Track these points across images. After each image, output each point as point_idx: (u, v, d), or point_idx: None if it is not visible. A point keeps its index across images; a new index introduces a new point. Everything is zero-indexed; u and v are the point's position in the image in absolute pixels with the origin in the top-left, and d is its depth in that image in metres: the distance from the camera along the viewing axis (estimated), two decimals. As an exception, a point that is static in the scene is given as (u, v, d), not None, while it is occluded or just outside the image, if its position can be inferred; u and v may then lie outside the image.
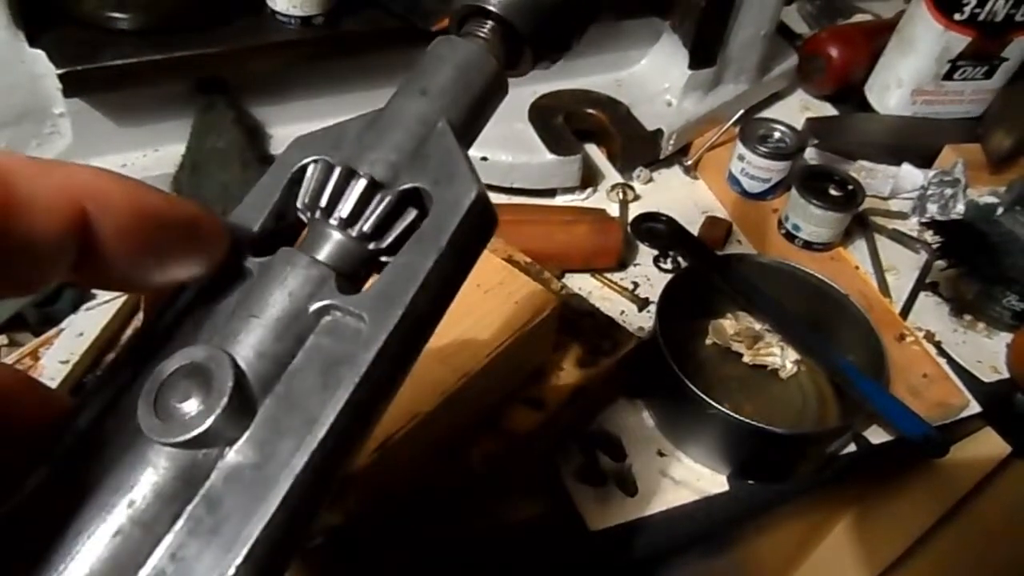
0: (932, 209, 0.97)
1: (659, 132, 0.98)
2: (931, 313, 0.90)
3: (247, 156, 0.81)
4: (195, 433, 0.19)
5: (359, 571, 0.61)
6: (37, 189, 0.17)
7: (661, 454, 0.73)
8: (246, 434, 0.20)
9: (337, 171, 0.23)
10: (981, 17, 1.01)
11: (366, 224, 0.23)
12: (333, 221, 0.23)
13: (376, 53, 0.85)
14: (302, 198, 0.23)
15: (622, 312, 0.84)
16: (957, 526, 0.93)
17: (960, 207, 0.96)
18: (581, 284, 0.86)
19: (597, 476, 0.70)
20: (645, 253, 0.91)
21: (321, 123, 0.88)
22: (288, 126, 0.88)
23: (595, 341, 0.72)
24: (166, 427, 0.19)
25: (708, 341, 0.81)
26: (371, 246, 0.23)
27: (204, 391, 0.19)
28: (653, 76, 1.03)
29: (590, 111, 0.98)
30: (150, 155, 0.84)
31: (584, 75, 1.01)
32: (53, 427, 0.21)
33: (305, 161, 0.24)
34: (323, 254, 0.23)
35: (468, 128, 0.26)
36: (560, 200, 0.95)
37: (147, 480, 0.19)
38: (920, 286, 0.92)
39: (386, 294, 0.21)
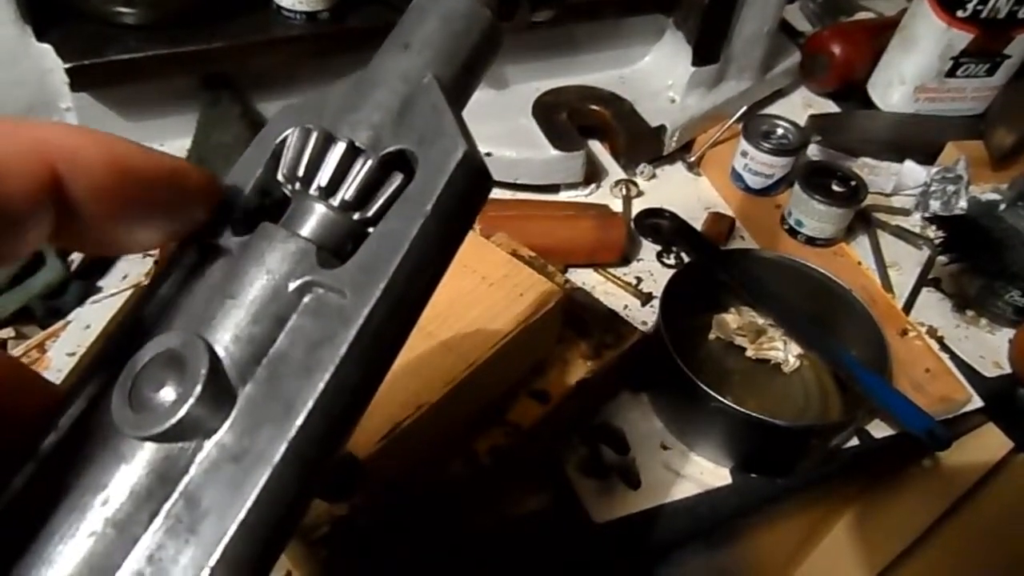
0: (935, 205, 0.98)
1: (662, 128, 0.98)
2: (933, 309, 0.90)
3: (252, 151, 0.82)
4: (168, 425, 0.18)
5: (364, 562, 0.62)
6: (4, 150, 0.17)
7: (664, 447, 0.74)
8: (225, 424, 0.19)
9: (314, 137, 0.21)
10: (984, 14, 1.01)
11: (347, 192, 0.21)
12: (313, 192, 0.21)
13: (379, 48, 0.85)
14: (281, 169, 0.22)
15: (625, 307, 0.84)
16: (959, 521, 0.93)
17: (963, 203, 0.96)
18: (584, 279, 0.86)
19: (600, 469, 0.70)
20: (648, 249, 0.92)
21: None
22: (293, 121, 0.88)
23: (599, 335, 0.72)
24: (139, 419, 0.18)
25: (711, 336, 0.82)
26: (355, 216, 0.21)
27: (178, 380, 0.18)
28: (657, 73, 1.03)
29: (594, 107, 0.99)
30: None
31: (588, 71, 1.01)
32: (45, 420, 0.20)
33: (286, 132, 0.23)
34: (304, 228, 0.21)
35: (459, 84, 0.24)
36: (563, 196, 0.95)
37: (121, 478, 0.18)
38: (923, 282, 0.92)
39: (367, 266, 0.20)
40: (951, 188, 0.97)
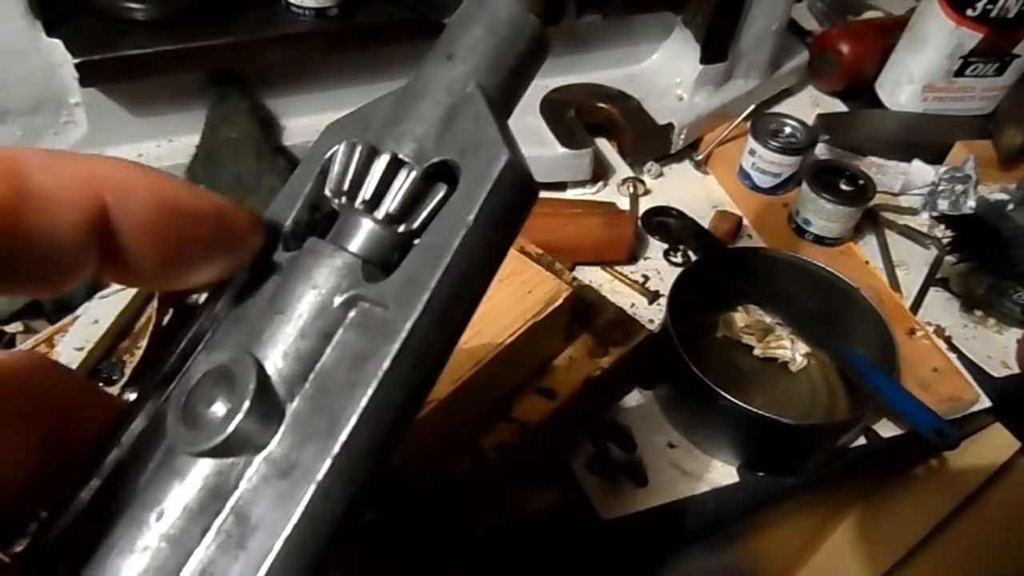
0: (943, 205, 0.97)
1: (670, 126, 0.98)
2: (941, 308, 0.90)
3: (261, 147, 0.82)
4: (218, 440, 0.18)
5: (371, 557, 0.62)
6: (53, 181, 0.17)
7: (671, 445, 0.74)
8: (274, 440, 0.19)
9: (358, 151, 0.21)
10: (993, 14, 1.01)
11: (391, 205, 0.21)
12: (359, 205, 0.21)
13: (389, 45, 0.85)
14: (328, 185, 0.22)
15: (632, 305, 0.84)
16: (966, 521, 0.93)
17: (971, 203, 0.96)
18: (591, 277, 0.86)
19: (608, 467, 0.70)
20: (655, 247, 0.92)
21: (334, 115, 0.87)
22: (301, 117, 0.88)
23: (606, 332, 0.72)
24: (192, 435, 0.18)
25: (718, 334, 0.81)
26: (400, 229, 0.21)
27: (228, 396, 0.19)
28: (664, 71, 1.03)
29: (601, 105, 0.98)
30: (164, 145, 0.84)
31: (596, 69, 1.01)
32: (108, 434, 0.21)
33: (334, 148, 0.23)
34: (351, 242, 0.21)
35: (505, 92, 0.23)
36: (571, 193, 0.95)
37: (176, 493, 0.18)
38: (930, 281, 0.92)
39: (410, 279, 0.19)
40: (959, 188, 0.97)
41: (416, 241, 0.21)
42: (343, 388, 0.19)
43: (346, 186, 0.21)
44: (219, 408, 0.19)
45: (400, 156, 0.21)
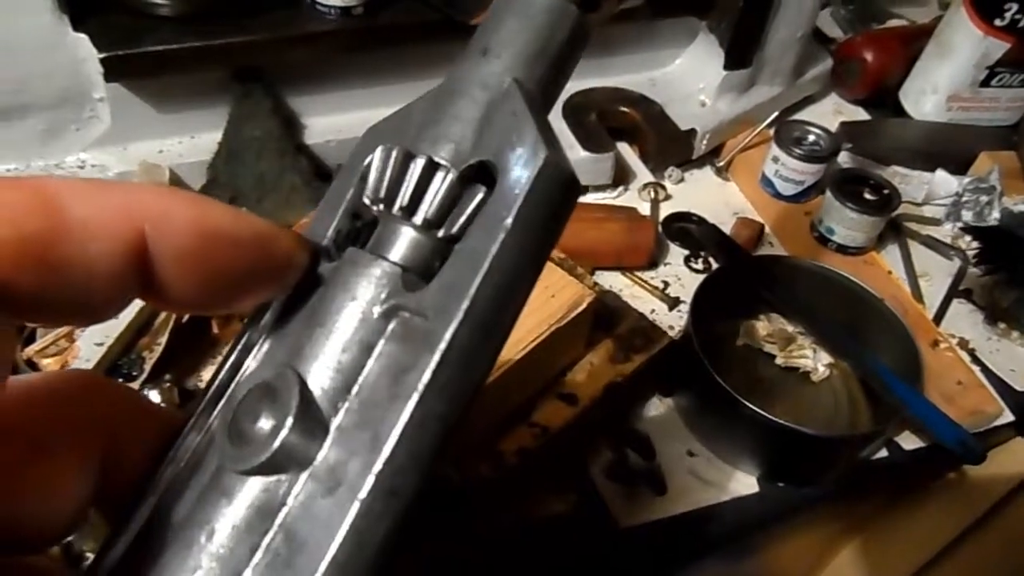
0: (967, 216, 0.96)
1: (692, 132, 0.97)
2: (965, 320, 0.89)
3: (283, 145, 0.82)
4: (263, 458, 0.18)
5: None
6: (90, 210, 0.16)
7: (691, 454, 0.73)
8: (319, 456, 0.18)
9: (394, 155, 0.20)
10: (1022, 23, 1.00)
11: (429, 210, 0.20)
12: (397, 212, 0.20)
13: (414, 45, 0.85)
14: (366, 192, 0.21)
15: (652, 311, 0.84)
16: (986, 535, 0.92)
17: (995, 214, 0.94)
18: (612, 282, 0.85)
19: (627, 474, 0.70)
20: (676, 253, 0.91)
21: (357, 114, 0.88)
22: (324, 116, 0.88)
23: (628, 339, 0.72)
24: (238, 453, 0.18)
25: (739, 342, 0.81)
26: (440, 234, 0.20)
27: (272, 412, 0.18)
28: (688, 76, 1.03)
29: (624, 109, 0.98)
30: (187, 142, 0.84)
31: (618, 73, 1.01)
32: (163, 452, 0.20)
33: (372, 153, 0.22)
34: (390, 250, 0.20)
35: (545, 86, 0.22)
36: (591, 197, 0.95)
37: (225, 512, 0.18)
38: (954, 293, 0.91)
39: (449, 286, 0.19)
40: (984, 199, 0.96)
41: (456, 247, 0.20)
42: (385, 401, 0.18)
43: (383, 192, 0.20)
44: (264, 425, 0.18)
45: (436, 159, 0.20)
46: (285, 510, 0.18)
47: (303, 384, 0.19)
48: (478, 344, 0.19)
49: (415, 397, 0.18)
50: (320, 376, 0.19)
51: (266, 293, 0.21)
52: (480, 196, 0.20)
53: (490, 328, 0.19)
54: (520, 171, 0.19)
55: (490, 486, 0.63)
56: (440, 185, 0.20)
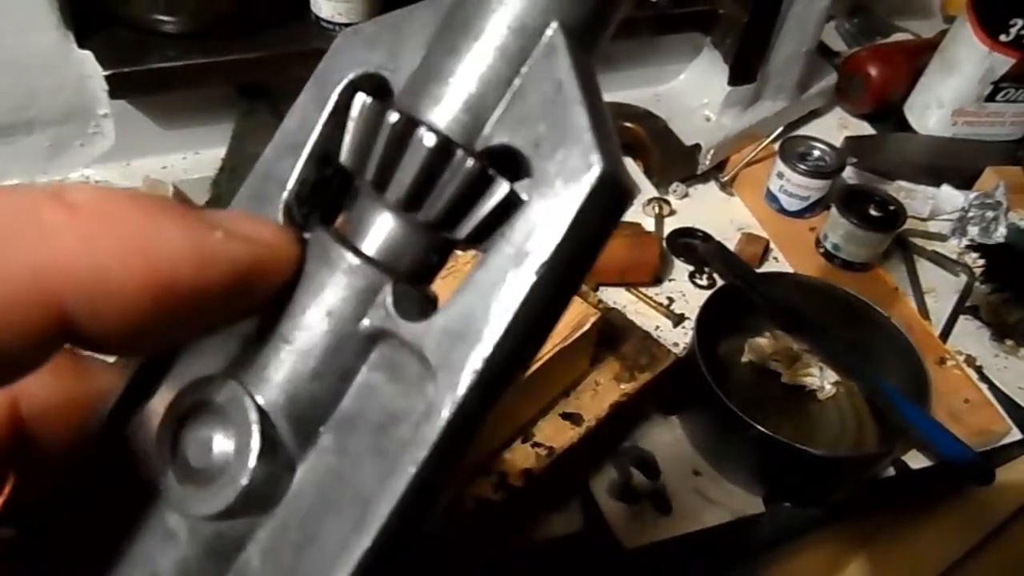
0: (973, 231, 0.96)
1: (697, 147, 0.97)
2: (971, 337, 0.88)
3: (287, 161, 0.82)
4: (220, 508, 0.15)
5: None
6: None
7: (696, 473, 0.72)
8: (284, 500, 0.16)
9: (392, 120, 0.15)
10: (1027, 39, 1.00)
11: (433, 208, 0.16)
12: (390, 198, 0.16)
13: (418, 62, 0.85)
14: (345, 153, 0.16)
15: (657, 327, 0.83)
16: (993, 554, 0.91)
17: (1002, 230, 0.94)
18: (616, 298, 0.85)
19: (631, 493, 0.69)
20: (680, 269, 0.90)
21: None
22: (328, 132, 0.88)
23: (633, 357, 0.71)
24: (188, 494, 0.16)
25: (745, 359, 0.80)
26: (445, 234, 0.16)
27: (227, 448, 0.16)
28: (692, 91, 1.02)
29: (628, 124, 0.98)
30: (190, 158, 0.84)
31: (623, 88, 1.01)
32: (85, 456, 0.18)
33: (352, 76, 0.17)
34: (373, 245, 0.16)
35: (588, 37, 0.16)
36: (595, 213, 0.94)
37: (170, 555, 0.16)
38: (960, 309, 0.90)
39: (458, 332, 0.15)
40: (990, 214, 0.96)
41: (461, 248, 0.17)
42: (370, 454, 0.15)
43: (373, 168, 0.16)
44: (218, 462, 0.15)
45: (447, 134, 0.15)
46: (243, 555, 0.16)
47: (263, 416, 0.15)
48: (488, 402, 0.15)
49: (412, 471, 0.15)
50: (281, 402, 0.16)
51: (240, 315, 0.17)
52: (501, 195, 0.15)
53: (504, 381, 0.15)
54: (564, 185, 0.15)
55: (494, 507, 0.63)
56: (453, 177, 0.15)
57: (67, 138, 0.79)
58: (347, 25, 0.78)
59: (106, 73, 0.73)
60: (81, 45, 0.73)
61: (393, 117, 0.15)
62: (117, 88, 0.74)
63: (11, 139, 0.76)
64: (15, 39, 0.70)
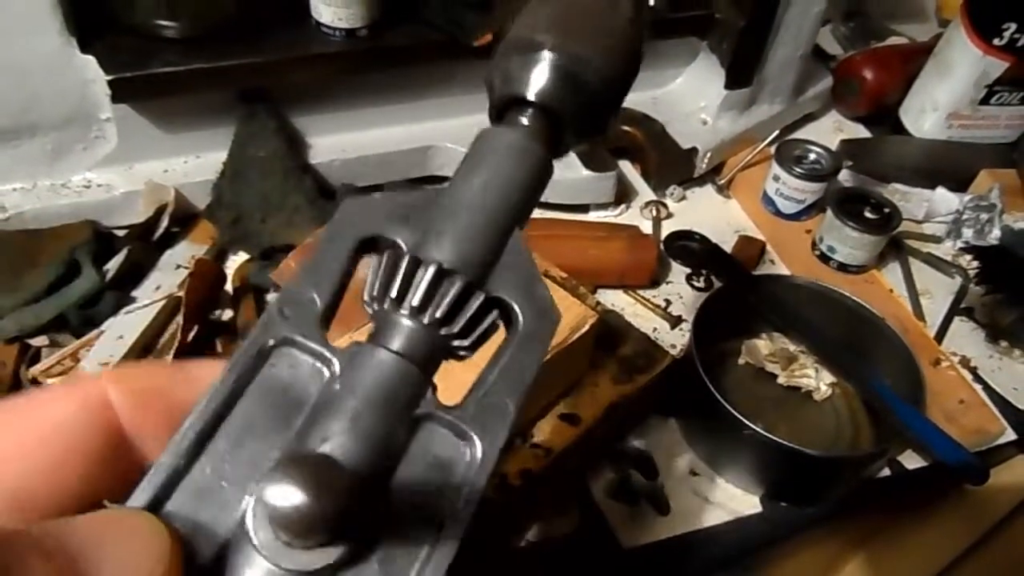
0: (967, 234, 0.97)
1: (694, 150, 0.98)
2: (966, 338, 0.89)
3: (288, 165, 0.82)
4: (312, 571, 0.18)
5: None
6: None
7: (694, 473, 0.73)
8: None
9: (432, 270, 0.21)
10: (1021, 43, 1.01)
11: (460, 328, 0.22)
12: (427, 320, 0.21)
13: (417, 66, 0.85)
14: (368, 290, 0.22)
15: (654, 329, 0.84)
16: (989, 554, 0.92)
17: (996, 232, 0.95)
18: (614, 300, 0.86)
19: (629, 494, 0.70)
20: (677, 271, 0.91)
21: (361, 134, 0.88)
22: (328, 135, 0.89)
23: (631, 359, 0.72)
24: (283, 552, 0.18)
25: (741, 361, 0.81)
26: (452, 341, 0.22)
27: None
28: (689, 95, 1.03)
29: (625, 128, 0.99)
30: (192, 161, 0.85)
31: (620, 92, 1.01)
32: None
33: (366, 234, 0.23)
34: (399, 344, 0.21)
35: (523, 215, 0.24)
36: (593, 216, 0.95)
37: None
38: (955, 311, 0.91)
39: (486, 418, 0.21)
40: (984, 216, 0.97)
41: (460, 351, 0.22)
42: (422, 523, 0.20)
43: (395, 292, 0.21)
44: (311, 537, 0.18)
45: (445, 267, 0.22)
46: None
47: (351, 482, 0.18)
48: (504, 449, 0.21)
49: (456, 542, 0.20)
50: (356, 474, 0.19)
51: None
52: (491, 319, 0.22)
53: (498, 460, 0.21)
54: (536, 324, 0.22)
55: (493, 507, 0.64)
56: (474, 309, 0.22)
57: (69, 142, 0.79)
58: (346, 30, 0.79)
59: (109, 78, 0.74)
60: (84, 50, 0.74)
61: (433, 266, 0.21)
62: (120, 93, 0.75)
63: (14, 143, 0.77)
64: (19, 44, 0.70)
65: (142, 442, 0.20)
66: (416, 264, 0.22)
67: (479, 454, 0.20)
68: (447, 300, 0.21)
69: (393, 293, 0.21)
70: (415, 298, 0.21)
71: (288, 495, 0.16)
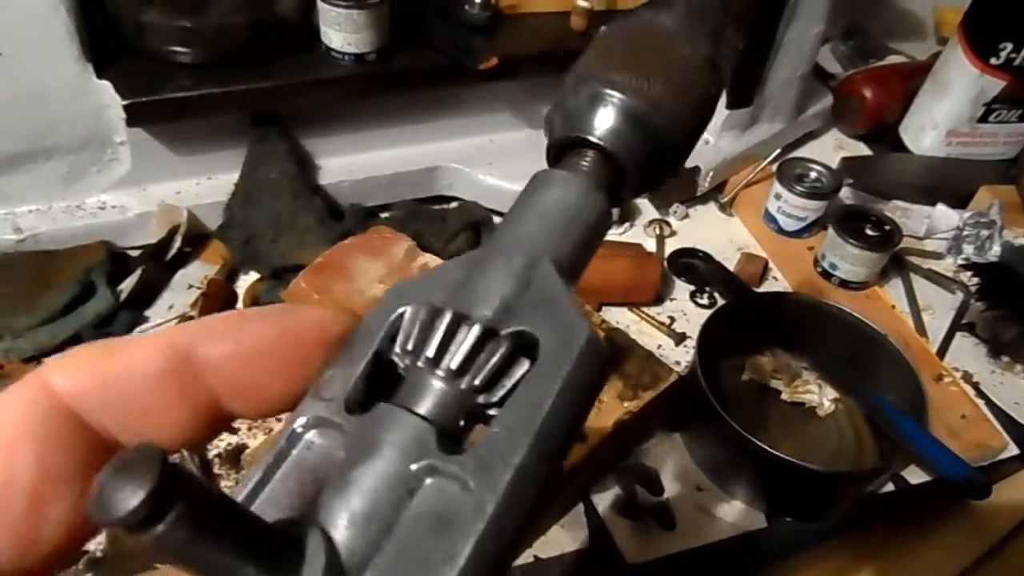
0: (968, 250, 0.98)
1: (696, 169, 0.99)
2: (968, 354, 0.90)
3: (298, 186, 0.84)
4: None
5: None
6: None
7: (699, 489, 0.74)
8: None
9: (447, 317, 0.20)
10: (1017, 62, 1.02)
11: (478, 376, 0.20)
12: (440, 372, 0.20)
13: (425, 89, 0.87)
14: (402, 344, 0.21)
15: (659, 346, 0.85)
16: (992, 569, 0.92)
17: (996, 248, 0.96)
18: (618, 318, 0.87)
19: (635, 510, 0.71)
20: (681, 288, 0.92)
21: (370, 155, 0.90)
22: (338, 157, 0.90)
23: (636, 376, 0.73)
24: None
25: (745, 377, 0.82)
26: (480, 399, 0.20)
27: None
28: (691, 114, 1.05)
29: (629, 147, 1.00)
30: (204, 183, 0.86)
31: (623, 112, 1.03)
32: None
33: (402, 308, 0.22)
34: (425, 407, 0.20)
35: (574, 266, 0.23)
36: (598, 234, 0.97)
37: None
38: (956, 326, 0.92)
39: (487, 463, 0.18)
40: (984, 233, 0.98)
41: (491, 411, 0.20)
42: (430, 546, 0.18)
43: (430, 351, 0.20)
44: None
45: (487, 326, 0.20)
46: None
47: (330, 544, 0.18)
48: (516, 517, 0.18)
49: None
50: (346, 534, 0.18)
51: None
52: (524, 369, 0.20)
53: (528, 497, 0.19)
54: (563, 348, 0.20)
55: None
56: (493, 353, 0.20)
57: (84, 165, 0.81)
58: (356, 55, 0.81)
59: (124, 102, 0.75)
60: (100, 76, 0.75)
61: (448, 314, 0.20)
62: (134, 117, 0.77)
63: (31, 166, 0.78)
64: (37, 71, 0.72)
65: (90, 414, 0.21)
66: (459, 321, 0.20)
67: (475, 504, 0.18)
68: (490, 366, 0.20)
69: (431, 352, 0.20)
70: (454, 360, 0.20)
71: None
